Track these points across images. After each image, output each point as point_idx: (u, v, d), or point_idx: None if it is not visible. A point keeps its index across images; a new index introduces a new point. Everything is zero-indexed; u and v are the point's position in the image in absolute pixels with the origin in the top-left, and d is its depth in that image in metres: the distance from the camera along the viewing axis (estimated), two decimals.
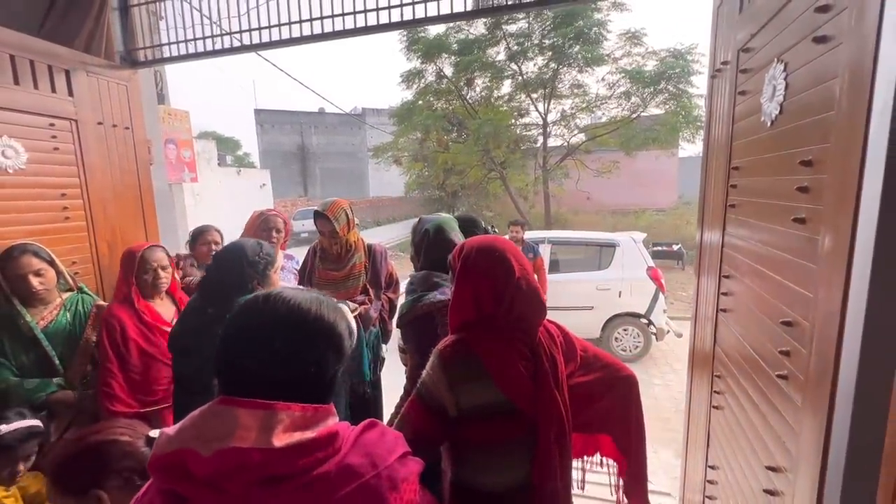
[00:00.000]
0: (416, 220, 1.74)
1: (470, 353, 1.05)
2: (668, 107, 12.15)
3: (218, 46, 2.70)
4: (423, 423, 1.04)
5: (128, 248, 2.04)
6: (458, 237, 1.61)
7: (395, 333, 2.92)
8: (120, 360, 1.85)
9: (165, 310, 2.04)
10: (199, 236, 2.55)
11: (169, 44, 2.80)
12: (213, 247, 2.49)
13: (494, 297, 1.06)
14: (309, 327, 0.65)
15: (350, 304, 1.97)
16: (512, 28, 12.91)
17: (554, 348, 1.14)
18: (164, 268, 2.02)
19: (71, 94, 2.36)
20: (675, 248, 10.49)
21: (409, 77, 14.28)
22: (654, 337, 5.29)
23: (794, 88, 1.11)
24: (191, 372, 1.51)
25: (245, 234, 2.49)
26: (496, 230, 1.88)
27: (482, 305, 1.07)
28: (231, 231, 2.57)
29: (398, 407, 1.54)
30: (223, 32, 2.65)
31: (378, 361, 2.30)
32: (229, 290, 1.49)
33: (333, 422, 0.65)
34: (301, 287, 2.40)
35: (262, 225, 2.49)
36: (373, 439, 0.67)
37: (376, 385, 2.31)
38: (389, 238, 17.50)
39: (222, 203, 12.92)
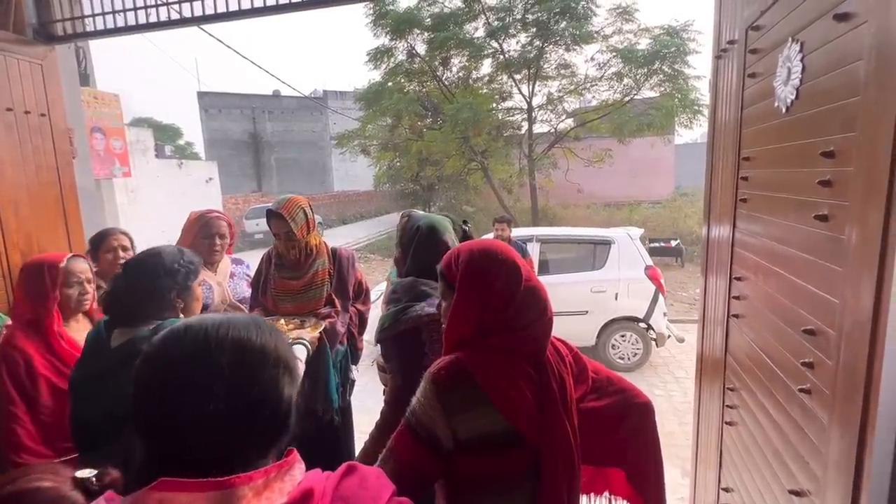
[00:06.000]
0: (406, 217, 1.69)
1: (467, 375, 1.03)
2: (662, 89, 12.43)
3: (153, 18, 2.58)
4: (415, 458, 1.02)
5: (34, 261, 1.88)
6: (451, 239, 1.59)
7: (368, 352, 2.86)
8: (26, 402, 1.70)
9: (83, 335, 1.87)
10: (102, 242, 2.25)
11: (93, 15, 2.66)
12: (121, 253, 2.24)
13: (504, 303, 1.07)
14: (252, 354, 0.61)
15: (305, 336, 1.85)
16: (491, 1, 12.96)
17: (563, 368, 1.14)
18: (89, 281, 1.91)
19: None
20: (674, 244, 10.76)
21: (377, 56, 14.14)
22: (653, 343, 5.39)
23: (812, 71, 1.13)
24: (93, 420, 1.36)
25: (182, 240, 2.34)
26: (469, 225, 1.85)
27: (488, 316, 1.07)
28: (172, 236, 2.45)
29: (372, 436, 1.50)
30: (159, 2, 2.54)
31: (347, 384, 2.24)
32: (143, 307, 1.39)
33: (300, 472, 0.61)
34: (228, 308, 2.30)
35: (202, 230, 2.33)
36: (353, 488, 0.64)
37: (345, 412, 2.25)
38: (357, 238, 17.33)
39: (161, 201, 12.50)
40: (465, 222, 1.83)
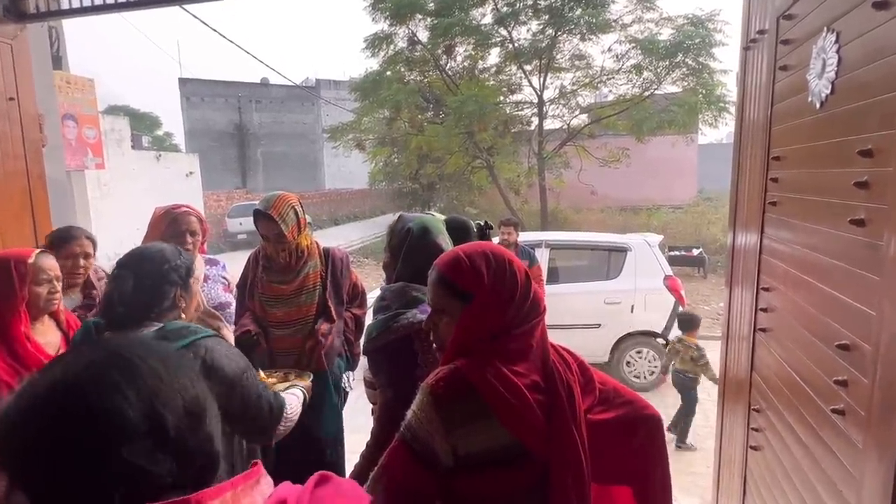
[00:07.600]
0: (395, 218, 1.72)
1: (468, 386, 1.04)
2: (685, 84, 12.49)
3: None
4: (410, 476, 1.03)
5: None
6: (445, 241, 1.60)
7: (362, 362, 2.87)
8: None
9: (49, 339, 1.91)
10: (63, 246, 2.14)
11: None
12: (81, 262, 2.19)
13: (521, 302, 1.10)
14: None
15: (300, 383, 1.74)
16: None
17: (570, 376, 1.14)
18: (59, 279, 1.92)
19: None
20: (696, 252, 10.76)
21: (375, 42, 14.23)
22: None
23: (849, 63, 1.14)
24: None
25: (147, 240, 2.31)
26: (492, 227, 1.92)
27: (507, 317, 1.09)
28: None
29: (364, 456, 1.49)
30: None
31: (340, 396, 2.24)
32: (150, 307, 1.40)
33: (269, 485, 0.63)
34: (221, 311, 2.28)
35: (170, 228, 2.27)
36: (329, 498, 0.65)
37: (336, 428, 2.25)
38: (350, 240, 17.36)
39: (137, 196, 12.50)
40: (486, 224, 1.90)
